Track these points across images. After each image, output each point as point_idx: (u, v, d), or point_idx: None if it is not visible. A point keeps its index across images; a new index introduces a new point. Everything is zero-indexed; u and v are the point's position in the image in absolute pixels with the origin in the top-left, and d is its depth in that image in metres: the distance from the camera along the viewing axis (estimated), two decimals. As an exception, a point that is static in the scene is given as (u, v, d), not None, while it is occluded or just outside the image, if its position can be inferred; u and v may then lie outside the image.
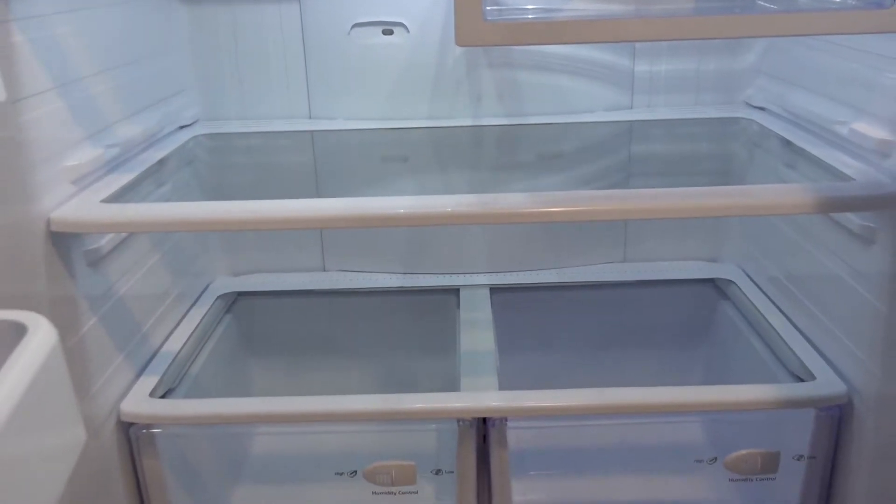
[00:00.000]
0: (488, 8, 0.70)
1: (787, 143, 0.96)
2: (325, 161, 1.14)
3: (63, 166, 0.79)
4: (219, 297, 1.17)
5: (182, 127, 1.13)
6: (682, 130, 1.12)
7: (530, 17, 0.70)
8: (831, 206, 0.75)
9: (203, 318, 1.11)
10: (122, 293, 0.91)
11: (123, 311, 0.92)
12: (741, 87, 1.14)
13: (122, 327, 0.90)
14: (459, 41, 0.68)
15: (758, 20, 0.67)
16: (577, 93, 1.15)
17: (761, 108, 1.10)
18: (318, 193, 1.12)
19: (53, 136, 0.78)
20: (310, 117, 1.18)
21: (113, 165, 0.90)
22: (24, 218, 0.73)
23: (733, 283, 1.14)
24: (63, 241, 0.77)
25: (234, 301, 1.20)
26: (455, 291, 1.17)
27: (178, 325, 1.08)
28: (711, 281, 1.17)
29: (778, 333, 0.99)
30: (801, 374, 0.89)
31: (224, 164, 1.14)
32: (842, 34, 0.73)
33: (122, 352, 0.90)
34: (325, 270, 1.24)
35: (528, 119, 1.14)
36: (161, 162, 0.99)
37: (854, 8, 0.68)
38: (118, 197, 0.84)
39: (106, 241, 0.85)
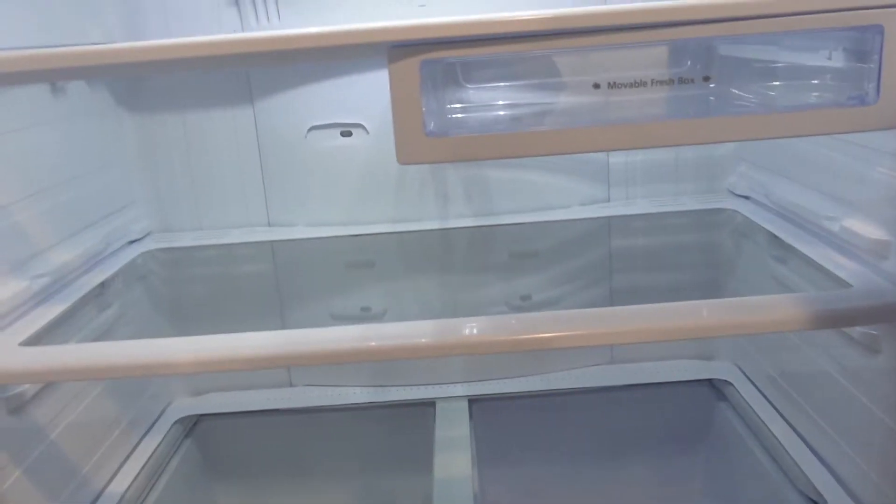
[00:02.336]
0: (451, 105, 0.64)
1: (775, 238, 0.89)
2: (287, 273, 1.08)
3: (-24, 307, 0.72)
4: (176, 422, 1.09)
5: (132, 242, 1.06)
6: (663, 223, 1.05)
7: (498, 114, 0.64)
8: (832, 321, 0.67)
9: (158, 446, 1.02)
10: (56, 435, 0.83)
11: (58, 456, 0.83)
12: (723, 174, 1.08)
13: (56, 474, 0.81)
14: (401, 159, 0.62)
15: (734, 123, 0.61)
16: (549, 188, 1.08)
17: (745, 197, 1.04)
18: (282, 308, 1.04)
19: (-35, 274, 0.70)
20: (269, 225, 1.11)
21: (43, 297, 0.82)
22: (-74, 371, 0.65)
23: (730, 383, 1.06)
24: (-25, 392, 0.69)
25: (195, 424, 1.11)
26: (431, 404, 1.08)
27: (128, 457, 0.99)
28: (707, 381, 1.09)
29: (781, 445, 0.90)
30: (810, 494, 0.80)
31: (178, 280, 1.07)
32: (825, 134, 0.67)
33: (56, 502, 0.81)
34: (291, 386, 1.15)
35: (499, 219, 1.08)
36: (104, 284, 0.92)
37: (836, 105, 0.62)
38: (44, 335, 0.76)
39: (30, 385, 0.77)
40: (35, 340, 0.74)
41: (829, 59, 0.65)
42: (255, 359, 0.70)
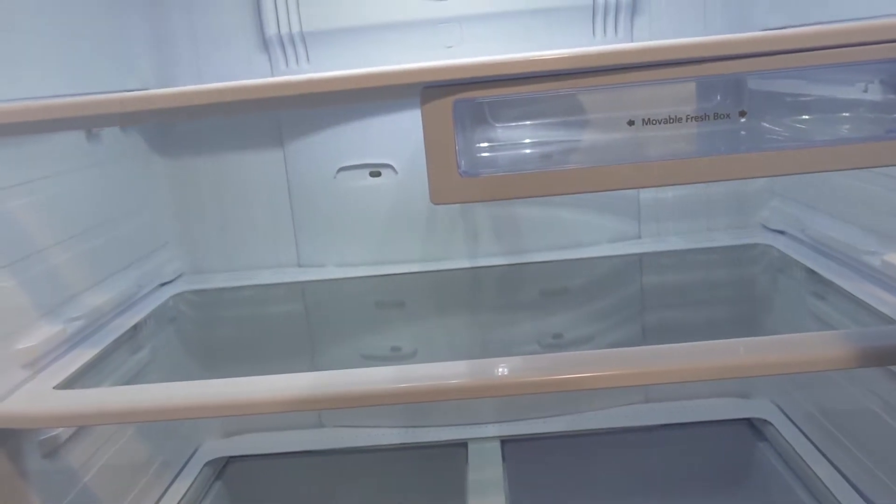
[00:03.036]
0: (481, 145, 0.64)
1: (813, 274, 0.87)
2: (317, 313, 1.07)
3: (13, 350, 0.72)
4: (207, 464, 1.08)
5: (164, 284, 1.07)
6: (695, 260, 1.04)
7: (526, 152, 0.64)
8: (877, 358, 0.65)
9: (189, 489, 1.02)
10: (89, 479, 0.82)
11: (91, 499, 0.83)
12: (755, 208, 1.07)
13: (87, 519, 0.81)
14: (434, 199, 0.61)
15: (772, 158, 0.60)
16: (579, 225, 1.08)
17: (780, 232, 1.03)
18: (313, 348, 1.04)
19: (2, 318, 0.71)
20: (298, 265, 1.11)
21: (77, 340, 0.83)
22: (-38, 415, 0.65)
23: (769, 422, 1.03)
24: (10, 436, 0.69)
25: (225, 466, 1.11)
26: (463, 445, 1.07)
27: (159, 500, 0.98)
28: (745, 421, 1.06)
29: (825, 485, 0.87)
30: (860, 541, 0.77)
31: (210, 321, 1.07)
32: (865, 168, 0.66)
33: (88, 547, 0.81)
34: (321, 427, 1.14)
35: (529, 256, 1.07)
36: (136, 327, 0.92)
37: (875, 138, 0.61)
38: (78, 378, 0.76)
39: (64, 428, 0.77)
40: (69, 384, 0.74)
41: (865, 91, 0.64)
42: (287, 401, 0.70)
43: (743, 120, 0.62)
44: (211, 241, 1.11)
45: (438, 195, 0.61)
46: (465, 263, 1.08)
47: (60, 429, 0.76)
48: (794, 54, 0.58)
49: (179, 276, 1.10)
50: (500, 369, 0.70)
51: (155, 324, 0.98)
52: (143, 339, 0.94)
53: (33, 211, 0.78)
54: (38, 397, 0.71)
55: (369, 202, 1.08)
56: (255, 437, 1.15)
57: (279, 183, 1.08)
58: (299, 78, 0.60)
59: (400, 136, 1.05)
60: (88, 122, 0.78)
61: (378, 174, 1.07)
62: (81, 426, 0.81)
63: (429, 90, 0.59)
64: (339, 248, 1.10)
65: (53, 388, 0.72)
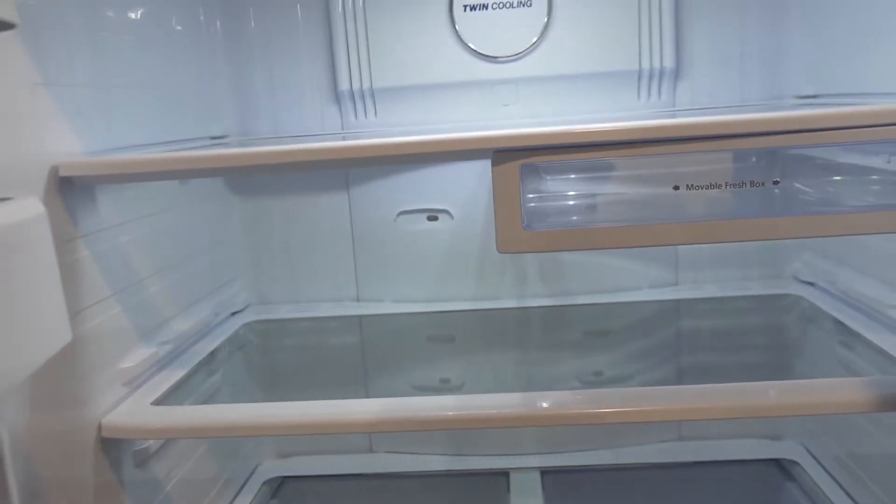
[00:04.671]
0: (542, 204, 0.72)
1: (840, 324, 0.94)
2: (373, 345, 1.15)
3: (117, 369, 0.81)
4: (264, 483, 1.16)
5: (234, 313, 1.16)
6: (730, 307, 1.10)
7: (581, 206, 0.72)
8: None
9: (249, 505, 1.09)
10: (169, 488, 0.91)
11: (169, 508, 0.91)
12: (788, 260, 1.14)
13: (167, 525, 0.89)
14: (501, 248, 0.70)
15: (801, 222, 0.68)
16: (621, 271, 1.15)
17: (810, 284, 1.09)
18: (367, 379, 1.12)
19: (110, 340, 0.80)
20: (357, 300, 1.20)
21: (165, 362, 0.92)
22: (76, 424, 0.74)
23: (797, 464, 1.08)
24: (113, 445, 0.78)
25: (280, 485, 1.18)
26: (504, 475, 1.14)
27: (224, 514, 1.06)
28: (775, 461, 1.12)
29: (853, 527, 0.92)
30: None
31: (275, 349, 1.15)
32: (886, 233, 0.73)
33: (164, 552, 0.89)
34: (371, 452, 1.22)
35: (573, 299, 1.15)
36: (213, 353, 1.01)
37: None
38: (169, 396, 0.85)
39: (154, 440, 0.86)
40: (162, 401, 0.83)
41: (888, 162, 0.72)
42: (356, 424, 0.78)
43: (779, 189, 0.70)
44: (277, 274, 1.20)
45: (505, 245, 0.69)
46: (513, 304, 1.16)
47: (150, 441, 0.85)
48: (822, 132, 0.66)
49: (247, 306, 1.20)
50: (544, 402, 0.77)
51: (227, 350, 1.06)
52: (217, 364, 1.03)
53: (136, 246, 0.88)
54: (139, 412, 0.80)
55: (426, 244, 1.16)
56: (309, 459, 1.22)
57: (343, 223, 1.18)
58: (385, 141, 0.70)
59: (456, 184, 1.14)
60: (186, 175, 0.89)
61: (435, 218, 1.16)
62: (168, 440, 0.89)
63: (499, 154, 0.68)
64: (396, 285, 1.19)
65: (151, 403, 0.81)
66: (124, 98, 0.88)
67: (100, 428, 0.76)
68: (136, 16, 0.92)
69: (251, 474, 1.18)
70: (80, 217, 0.76)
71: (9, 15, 0.52)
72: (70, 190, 0.74)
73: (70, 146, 0.76)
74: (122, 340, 0.83)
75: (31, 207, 0.61)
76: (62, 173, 0.72)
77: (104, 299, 0.80)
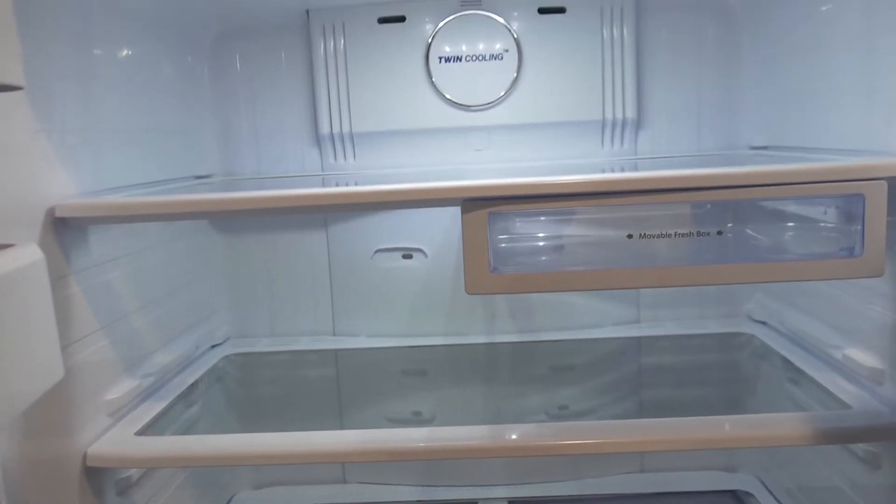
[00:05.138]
0: (506, 246, 0.78)
1: (788, 362, 1.00)
2: (348, 378, 1.20)
3: (102, 400, 0.85)
4: (239, 514, 1.19)
5: (214, 346, 1.20)
6: (688, 345, 1.16)
7: (535, 245, 0.78)
8: (834, 437, 0.78)
9: (223, 536, 1.12)
10: (148, 518, 0.94)
11: (147, 536, 0.94)
12: (742, 301, 1.20)
13: (144, 554, 0.92)
14: (469, 290, 0.75)
15: (745, 269, 0.74)
16: (585, 309, 1.21)
17: (763, 323, 1.16)
18: (341, 409, 1.16)
19: (96, 372, 0.84)
20: (334, 334, 1.25)
21: (148, 393, 0.96)
22: (62, 454, 0.78)
23: (752, 495, 1.14)
24: (97, 474, 0.81)
25: (255, 516, 1.21)
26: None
27: (198, 544, 1.09)
28: (731, 492, 1.17)
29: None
30: None
31: (253, 381, 1.19)
32: (823, 279, 0.79)
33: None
34: (345, 482, 1.25)
35: (540, 336, 1.20)
36: (193, 384, 1.05)
37: (830, 256, 0.75)
38: (151, 426, 0.89)
39: (136, 469, 0.89)
40: (144, 431, 0.87)
41: (825, 213, 0.79)
42: (328, 454, 0.83)
43: (728, 235, 0.76)
44: (257, 308, 1.25)
45: (473, 287, 0.74)
46: (483, 339, 1.21)
47: (133, 470, 0.88)
48: (766, 187, 0.73)
49: (227, 339, 1.23)
50: (511, 434, 0.82)
51: (207, 381, 1.10)
52: (197, 395, 1.06)
53: (123, 281, 0.92)
54: (123, 442, 0.83)
55: (401, 281, 1.22)
56: (283, 489, 1.25)
57: (321, 261, 1.23)
58: (364, 189, 0.75)
59: (431, 224, 1.19)
60: (175, 217, 0.93)
61: (410, 257, 1.21)
62: (149, 469, 0.93)
63: (468, 202, 0.74)
64: (372, 320, 1.23)
65: (134, 434, 0.85)
66: (113, 140, 0.92)
67: (85, 457, 0.80)
68: (127, 61, 0.97)
69: (227, 504, 1.21)
70: (72, 255, 0.80)
71: (17, 80, 0.56)
72: (64, 230, 0.78)
73: (64, 188, 0.80)
74: (108, 372, 0.87)
75: (30, 254, 0.64)
76: (58, 214, 0.76)
77: (92, 333, 0.84)
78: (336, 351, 1.22)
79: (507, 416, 1.15)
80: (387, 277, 1.22)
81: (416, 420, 1.21)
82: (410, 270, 1.21)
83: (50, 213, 0.76)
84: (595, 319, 1.21)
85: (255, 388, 1.19)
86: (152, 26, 1.04)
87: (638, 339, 1.19)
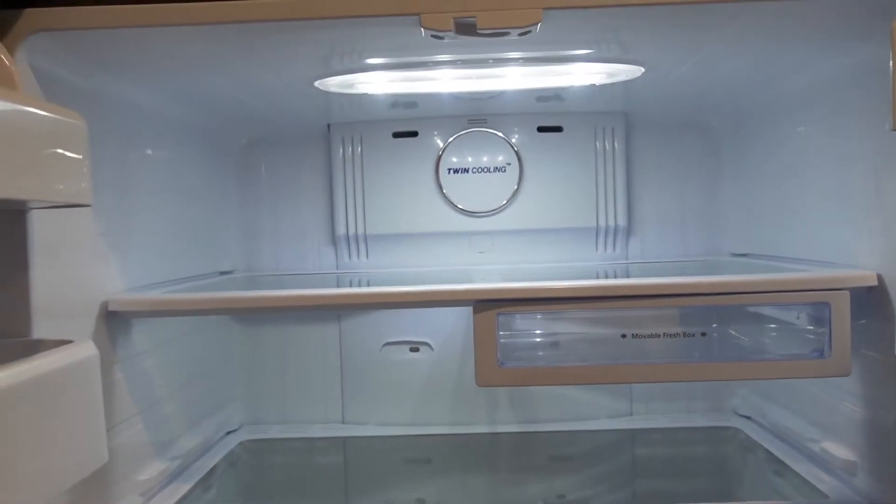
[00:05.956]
0: (502, 332, 0.86)
1: (771, 455, 1.07)
2: (356, 465, 1.26)
3: (135, 481, 0.91)
4: None
5: (229, 432, 1.26)
6: (678, 437, 1.24)
7: (530, 344, 0.86)
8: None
9: None
10: None
11: None
12: (727, 396, 1.28)
13: None
14: (480, 382, 0.83)
15: (727, 368, 0.84)
16: (581, 402, 1.29)
17: (748, 417, 1.23)
18: (348, 495, 1.21)
19: (131, 454, 0.91)
20: (343, 422, 1.31)
21: (174, 475, 1.02)
22: (98, 532, 0.83)
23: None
24: (128, 552, 0.87)
25: None
26: None
27: None
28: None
29: None
30: None
31: (265, 467, 1.25)
32: (796, 378, 0.88)
33: None
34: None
35: (539, 426, 1.27)
36: (211, 469, 1.11)
37: (802, 357, 0.84)
38: (175, 507, 0.95)
39: (162, 549, 0.94)
40: (171, 512, 0.93)
41: (798, 318, 0.88)
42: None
43: (712, 336, 0.85)
44: (270, 397, 1.32)
45: (483, 380, 0.83)
46: (486, 429, 1.28)
47: (159, 549, 0.94)
48: (743, 295, 0.83)
49: (242, 426, 1.30)
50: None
51: (223, 466, 1.16)
52: (214, 479, 1.12)
53: (156, 369, 1.00)
54: (153, 521, 0.89)
55: (408, 372, 1.29)
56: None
57: (333, 352, 1.31)
58: (388, 290, 0.84)
59: (437, 320, 1.28)
60: (214, 312, 1.02)
61: (417, 350, 1.29)
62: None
63: (479, 304, 0.83)
64: (380, 409, 1.30)
65: (163, 514, 0.91)
66: (148, 240, 1.01)
67: (119, 537, 0.86)
68: (161, 168, 1.07)
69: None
70: (118, 345, 0.88)
71: (85, 199, 0.66)
72: (114, 321, 0.87)
73: (113, 284, 0.89)
74: (141, 455, 0.94)
75: (86, 350, 0.71)
76: (111, 308, 0.85)
77: (130, 417, 0.91)
78: (345, 438, 1.28)
79: (507, 504, 1.20)
80: (395, 369, 1.30)
81: (420, 508, 1.26)
82: (417, 362, 1.29)
83: (104, 307, 0.85)
84: (591, 411, 1.29)
85: (268, 472, 1.24)
86: (186, 137, 1.15)
87: (631, 432, 1.26)
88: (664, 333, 0.83)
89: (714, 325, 0.86)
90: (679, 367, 0.83)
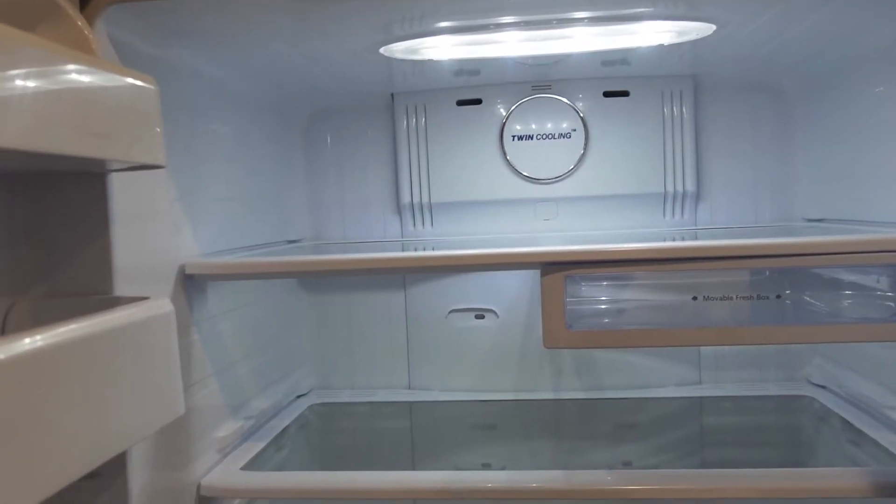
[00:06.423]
0: (580, 307, 0.86)
1: (848, 424, 1.04)
2: (422, 429, 1.27)
3: (213, 438, 0.95)
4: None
5: (299, 396, 1.29)
6: (749, 406, 1.21)
7: (598, 308, 0.86)
8: (891, 490, 0.82)
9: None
10: (242, 552, 1.02)
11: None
12: (801, 365, 1.25)
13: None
14: (547, 344, 0.83)
15: (803, 331, 0.81)
16: (648, 369, 1.27)
17: (822, 386, 1.20)
18: (415, 459, 1.24)
19: (208, 413, 0.94)
20: (409, 388, 1.33)
21: (248, 434, 1.05)
22: (180, 483, 0.87)
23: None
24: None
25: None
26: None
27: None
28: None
29: None
30: None
31: (334, 430, 1.28)
32: (876, 342, 0.85)
33: None
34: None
35: (604, 393, 1.27)
36: (283, 430, 1.14)
37: (883, 320, 0.81)
38: (252, 463, 0.98)
39: (239, 502, 0.98)
40: (248, 467, 0.96)
41: (878, 281, 0.85)
42: (410, 491, 0.90)
43: (786, 301, 0.83)
44: (338, 362, 1.34)
45: (550, 342, 0.83)
46: (550, 395, 1.28)
47: (237, 502, 0.97)
48: (821, 256, 0.80)
49: (311, 390, 1.33)
50: (582, 478, 0.88)
51: (294, 428, 1.19)
52: (286, 440, 1.16)
53: (230, 333, 1.03)
54: (231, 475, 0.92)
55: (473, 339, 1.30)
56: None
57: (399, 319, 1.32)
58: (449, 253, 0.85)
59: (502, 287, 1.28)
60: (285, 275, 1.04)
61: (482, 317, 1.30)
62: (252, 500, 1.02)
63: (547, 266, 0.83)
64: (445, 375, 1.32)
65: (240, 469, 0.94)
66: (220, 207, 1.04)
67: (199, 488, 0.89)
68: (230, 138, 1.10)
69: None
70: (195, 307, 0.91)
71: (159, 160, 0.68)
72: (190, 285, 0.90)
73: (189, 249, 0.92)
74: (218, 413, 0.97)
75: (163, 306, 0.74)
76: (187, 271, 0.88)
77: (207, 377, 0.94)
78: (411, 403, 1.30)
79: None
80: (460, 336, 1.31)
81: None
82: (482, 329, 1.30)
83: (181, 270, 0.88)
84: (657, 379, 1.27)
85: (337, 435, 1.28)
86: (253, 108, 1.17)
87: (699, 400, 1.24)
88: (737, 296, 0.81)
89: (788, 291, 0.84)
90: (753, 330, 0.81)
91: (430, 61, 1.04)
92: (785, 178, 1.25)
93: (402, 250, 1.17)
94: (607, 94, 1.24)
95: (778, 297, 0.82)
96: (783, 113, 1.25)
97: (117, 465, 0.74)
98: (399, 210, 1.31)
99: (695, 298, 0.82)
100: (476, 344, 1.31)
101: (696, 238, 1.11)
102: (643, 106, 1.24)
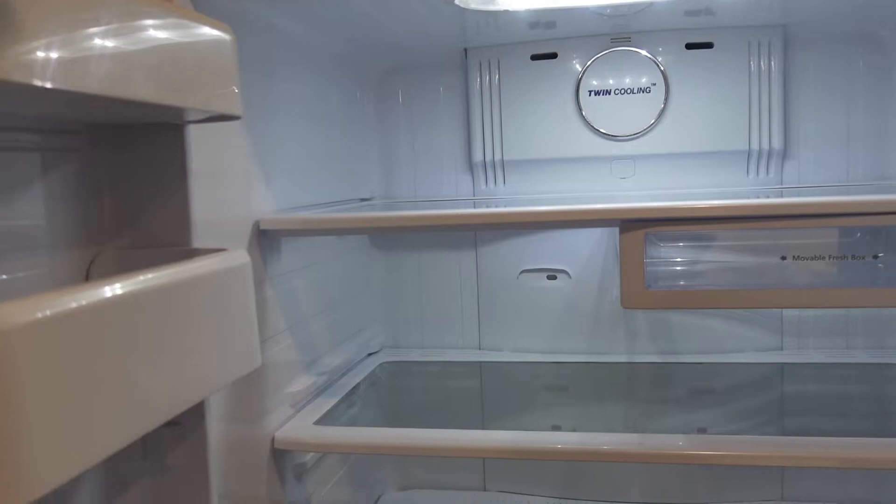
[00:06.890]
0: (661, 268, 0.83)
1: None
2: (492, 390, 1.27)
3: (286, 392, 0.96)
4: (387, 512, 1.28)
5: (370, 354, 1.30)
6: (834, 374, 1.16)
7: (679, 269, 0.83)
8: None
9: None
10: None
11: (314, 521, 1.04)
12: (891, 331, 1.19)
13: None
14: (625, 304, 0.81)
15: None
16: (727, 334, 1.23)
17: (915, 355, 1.14)
18: (484, 419, 1.23)
19: (283, 368, 0.95)
20: (479, 348, 1.32)
21: (320, 390, 1.06)
22: (255, 435, 0.89)
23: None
24: (281, 457, 0.92)
25: (400, 516, 1.30)
26: (610, 519, 1.21)
27: (352, 535, 1.18)
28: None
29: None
30: None
31: (404, 388, 1.28)
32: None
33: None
34: (485, 490, 1.32)
35: (679, 357, 1.23)
36: (354, 387, 1.15)
37: None
38: (324, 419, 0.99)
39: (309, 457, 0.99)
40: (320, 422, 0.97)
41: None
42: (481, 450, 0.90)
43: (880, 265, 0.78)
44: (409, 321, 1.35)
45: (628, 301, 0.80)
46: (623, 359, 1.25)
47: (308, 457, 0.99)
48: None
49: (382, 348, 1.34)
50: (656, 441, 0.86)
51: (365, 385, 1.20)
52: (357, 397, 1.17)
53: (303, 289, 1.04)
54: (304, 429, 0.94)
55: (544, 300, 1.28)
56: (426, 493, 1.34)
57: (470, 279, 1.31)
58: (527, 209, 0.83)
59: (575, 248, 1.26)
60: (355, 231, 1.04)
61: (554, 277, 1.28)
62: (320, 459, 1.03)
63: (627, 223, 0.80)
64: (516, 336, 1.30)
65: (313, 423, 0.95)
66: (292, 164, 1.04)
67: (273, 441, 0.91)
68: (302, 94, 1.09)
69: (375, 503, 1.30)
70: (269, 262, 0.92)
71: (236, 110, 0.67)
72: (265, 240, 0.90)
73: (263, 205, 0.92)
74: (291, 369, 0.98)
75: (240, 257, 0.75)
76: (262, 227, 0.88)
77: (280, 332, 0.95)
78: (481, 364, 1.30)
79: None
80: (531, 296, 1.29)
81: (556, 434, 1.26)
82: (554, 290, 1.28)
83: (256, 225, 0.88)
84: (736, 344, 1.23)
85: (407, 394, 1.28)
86: (325, 64, 1.16)
87: (781, 366, 1.19)
88: (830, 256, 0.77)
89: (882, 254, 0.79)
90: (847, 291, 0.76)
91: (506, 12, 1.01)
92: (880, 134, 1.17)
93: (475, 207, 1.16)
94: (690, 47, 1.19)
95: (875, 257, 0.77)
96: (880, 65, 1.17)
97: (196, 414, 0.75)
98: (471, 168, 1.29)
99: (783, 258, 0.78)
100: (548, 305, 1.28)
101: (782, 196, 1.06)
102: (728, 58, 1.18)
